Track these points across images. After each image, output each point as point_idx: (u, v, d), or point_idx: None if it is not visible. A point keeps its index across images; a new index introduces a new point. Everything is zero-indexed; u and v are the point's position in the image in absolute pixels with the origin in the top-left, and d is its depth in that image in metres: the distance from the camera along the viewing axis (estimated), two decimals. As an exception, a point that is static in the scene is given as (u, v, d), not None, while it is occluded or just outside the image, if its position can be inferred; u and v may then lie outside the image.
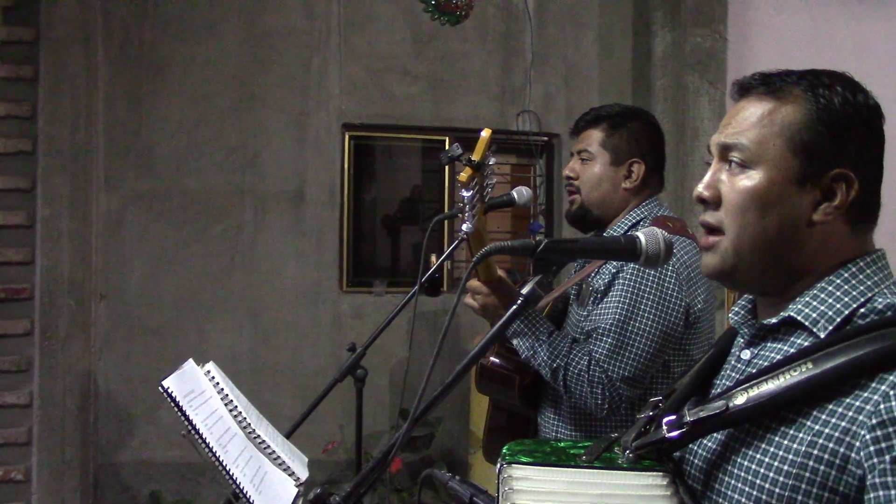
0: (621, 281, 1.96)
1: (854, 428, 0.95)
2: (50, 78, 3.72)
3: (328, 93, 4.24)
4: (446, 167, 4.42)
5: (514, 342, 2.04)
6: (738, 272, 1.14)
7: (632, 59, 4.58)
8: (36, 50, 3.71)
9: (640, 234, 1.24)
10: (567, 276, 2.33)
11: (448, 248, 2.47)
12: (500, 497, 1.07)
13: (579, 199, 2.14)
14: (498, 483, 1.09)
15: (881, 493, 0.91)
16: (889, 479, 0.91)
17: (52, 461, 3.75)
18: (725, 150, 1.14)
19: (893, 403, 0.93)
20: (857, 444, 0.95)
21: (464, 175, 1.77)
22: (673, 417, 1.08)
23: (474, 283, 2.05)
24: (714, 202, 1.14)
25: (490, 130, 1.83)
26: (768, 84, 1.13)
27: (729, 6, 4.37)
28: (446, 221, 4.32)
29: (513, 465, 1.09)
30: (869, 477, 0.93)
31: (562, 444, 1.19)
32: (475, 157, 1.77)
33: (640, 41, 4.52)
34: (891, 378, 0.95)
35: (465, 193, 1.79)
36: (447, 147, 4.39)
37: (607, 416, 1.96)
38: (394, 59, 4.31)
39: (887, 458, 0.92)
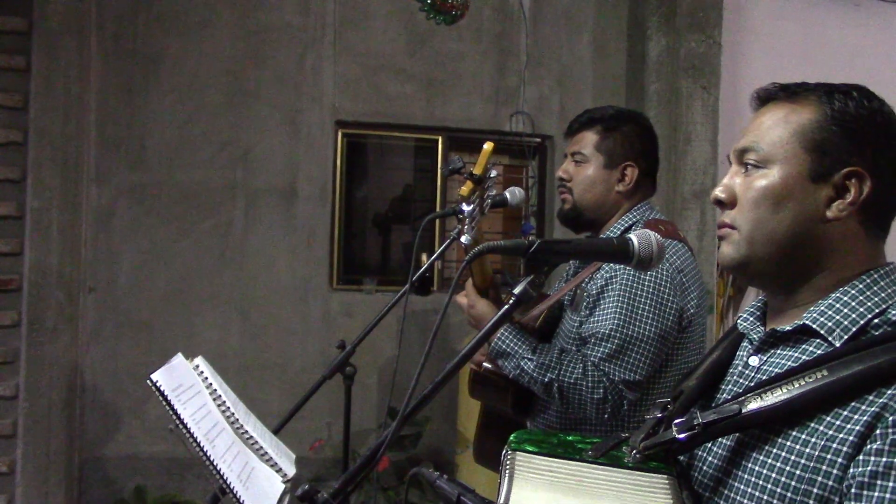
0: (616, 286, 1.94)
1: (867, 432, 0.96)
2: (42, 69, 3.70)
3: (322, 90, 4.23)
4: (439, 167, 4.42)
5: (499, 363, 2.01)
6: (752, 264, 1.15)
7: (626, 63, 4.59)
8: (28, 40, 3.69)
9: (633, 237, 1.24)
10: (559, 282, 2.32)
11: (439, 247, 2.46)
12: (501, 481, 1.07)
13: (571, 199, 2.13)
14: (501, 469, 1.09)
15: (870, 468, 0.94)
16: (883, 462, 0.93)
17: (36, 454, 3.73)
18: (742, 154, 1.17)
19: None
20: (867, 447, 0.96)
21: (465, 189, 1.76)
22: (683, 419, 1.09)
23: (462, 298, 2.06)
24: (730, 203, 1.17)
25: (492, 144, 1.81)
26: (786, 90, 1.17)
27: (724, 12, 4.39)
28: (438, 221, 4.32)
29: (518, 452, 1.10)
30: (870, 462, 0.94)
31: (570, 438, 1.19)
32: (477, 170, 1.76)
33: (634, 45, 4.53)
34: None
35: (467, 207, 1.78)
36: (440, 146, 4.44)
37: (602, 422, 1.94)
38: (388, 58, 4.31)
39: (889, 440, 0.94)
